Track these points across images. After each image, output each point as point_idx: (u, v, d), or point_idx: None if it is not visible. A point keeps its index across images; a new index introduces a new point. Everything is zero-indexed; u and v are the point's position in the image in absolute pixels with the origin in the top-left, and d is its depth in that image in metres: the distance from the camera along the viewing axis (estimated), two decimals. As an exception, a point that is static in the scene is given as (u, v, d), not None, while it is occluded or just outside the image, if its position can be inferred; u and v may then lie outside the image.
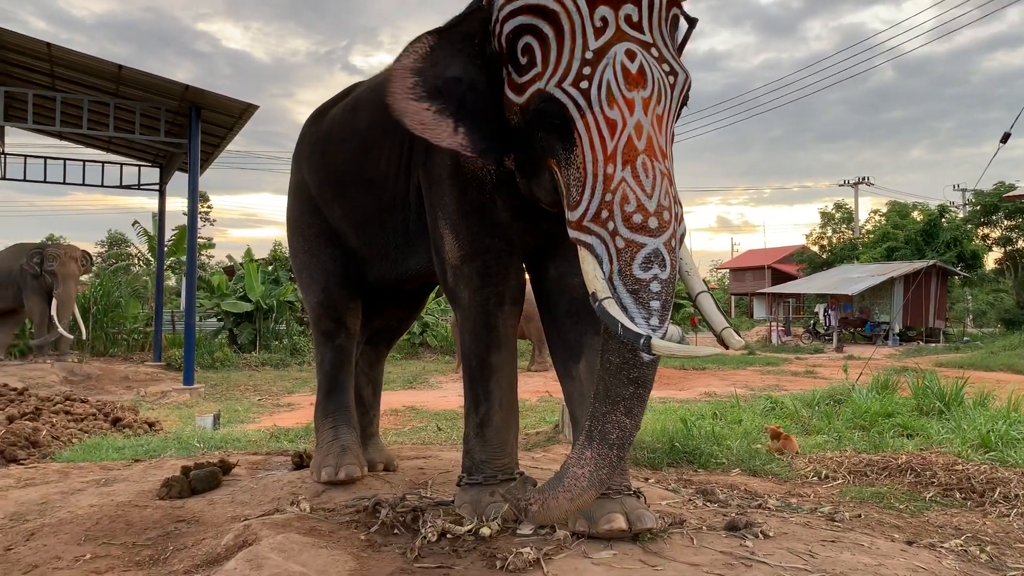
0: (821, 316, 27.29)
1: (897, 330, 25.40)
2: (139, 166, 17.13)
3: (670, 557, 2.61)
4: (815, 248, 38.68)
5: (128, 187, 17.29)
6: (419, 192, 3.34)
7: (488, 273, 3.09)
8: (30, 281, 13.97)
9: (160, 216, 18.08)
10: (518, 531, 2.85)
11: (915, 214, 33.81)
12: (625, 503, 2.83)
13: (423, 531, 2.83)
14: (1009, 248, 32.04)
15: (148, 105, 12.88)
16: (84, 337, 15.44)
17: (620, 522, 2.72)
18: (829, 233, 38.55)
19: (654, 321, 2.36)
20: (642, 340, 2.29)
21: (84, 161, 16.62)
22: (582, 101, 2.45)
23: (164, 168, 17.00)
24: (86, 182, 16.60)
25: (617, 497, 2.85)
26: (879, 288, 26.41)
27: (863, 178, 38.55)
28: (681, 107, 2.67)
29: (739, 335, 2.58)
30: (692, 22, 2.80)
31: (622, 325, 2.32)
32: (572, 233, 2.50)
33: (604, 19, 2.47)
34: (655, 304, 2.38)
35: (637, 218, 2.37)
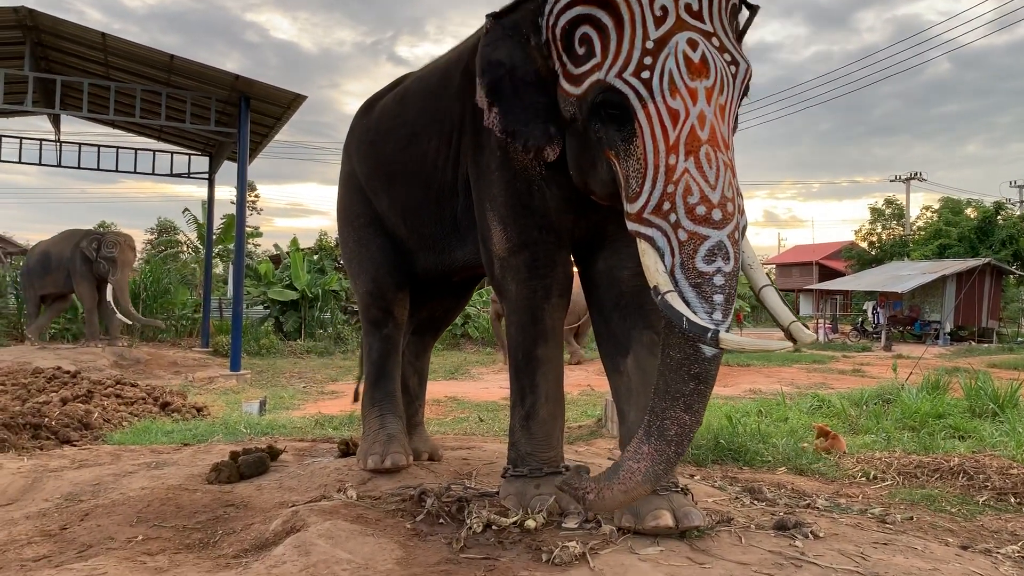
0: (869, 314, 26.79)
1: (948, 329, 24.83)
2: (189, 155, 17.44)
3: (718, 555, 2.57)
4: (864, 244, 37.94)
5: (178, 175, 17.62)
6: (467, 183, 3.34)
7: (536, 266, 3.08)
8: (80, 266, 14.20)
9: (209, 204, 18.40)
10: (563, 524, 2.84)
11: (969, 211, 32.97)
12: (672, 500, 2.80)
13: (468, 522, 2.83)
14: (1067, 246, 31.13)
15: (199, 95, 13.09)
16: (139, 323, 15.73)
17: (667, 519, 2.68)
18: (879, 229, 37.75)
19: (717, 315, 2.31)
20: (708, 334, 2.25)
21: (136, 149, 16.97)
22: (644, 91, 2.42)
23: (213, 157, 17.28)
24: (137, 170, 16.96)
25: (665, 494, 2.81)
26: (930, 286, 25.82)
27: (915, 173, 37.69)
28: (742, 97, 2.63)
29: (808, 329, 2.53)
30: (753, 9, 2.76)
31: (687, 319, 2.27)
32: (631, 225, 2.47)
33: (664, 8, 2.44)
34: (718, 298, 2.33)
35: (700, 210, 2.33)
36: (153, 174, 17.28)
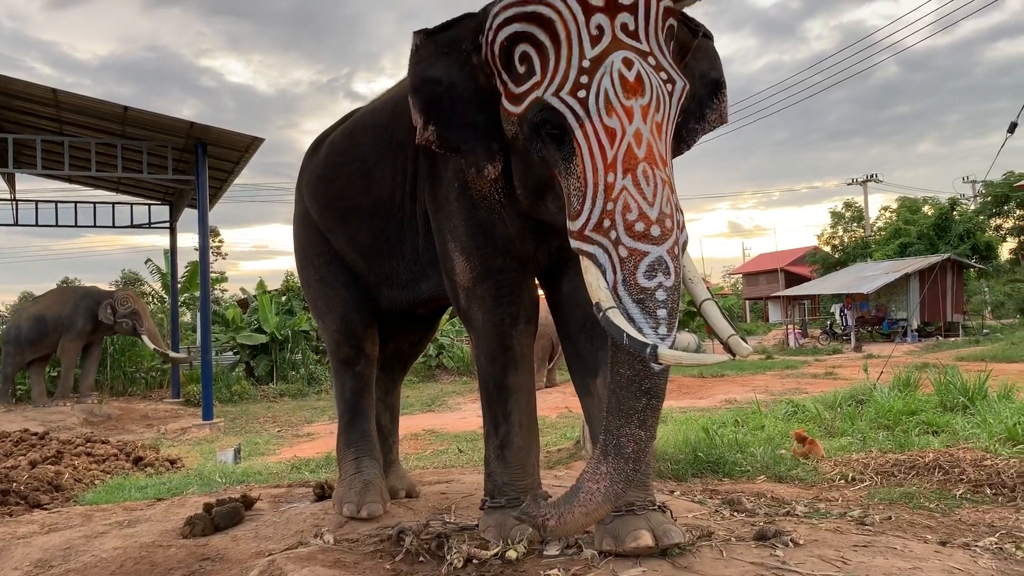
0: (837, 316, 27.10)
1: (915, 326, 25.21)
2: (149, 205, 17.28)
3: (699, 571, 2.57)
4: (827, 248, 38.46)
5: (139, 226, 17.44)
6: (426, 216, 3.33)
7: (501, 293, 3.08)
8: (80, 325, 14.13)
9: (172, 253, 18.19)
10: (545, 552, 2.82)
11: (926, 209, 33.60)
12: (651, 519, 2.78)
13: (449, 557, 2.81)
14: (1023, 238, 31.80)
15: (155, 144, 12.99)
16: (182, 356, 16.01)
17: (647, 539, 2.67)
18: (840, 232, 38.33)
19: (662, 330, 2.32)
20: (648, 349, 2.25)
21: (95, 203, 16.79)
22: (580, 110, 2.43)
23: (174, 205, 17.13)
24: (97, 224, 16.79)
25: (642, 513, 2.80)
26: (894, 285, 26.21)
27: (871, 175, 38.39)
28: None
29: (747, 342, 2.53)
30: (695, 31, 2.82)
31: (627, 335, 2.28)
32: (574, 243, 2.48)
33: (600, 27, 2.45)
34: (662, 312, 2.33)
35: (639, 226, 2.34)
36: (114, 226, 17.12)
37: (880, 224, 36.74)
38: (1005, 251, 32.58)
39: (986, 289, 32.02)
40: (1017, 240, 32.14)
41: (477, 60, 2.73)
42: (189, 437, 11.55)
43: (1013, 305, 29.36)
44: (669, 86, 2.50)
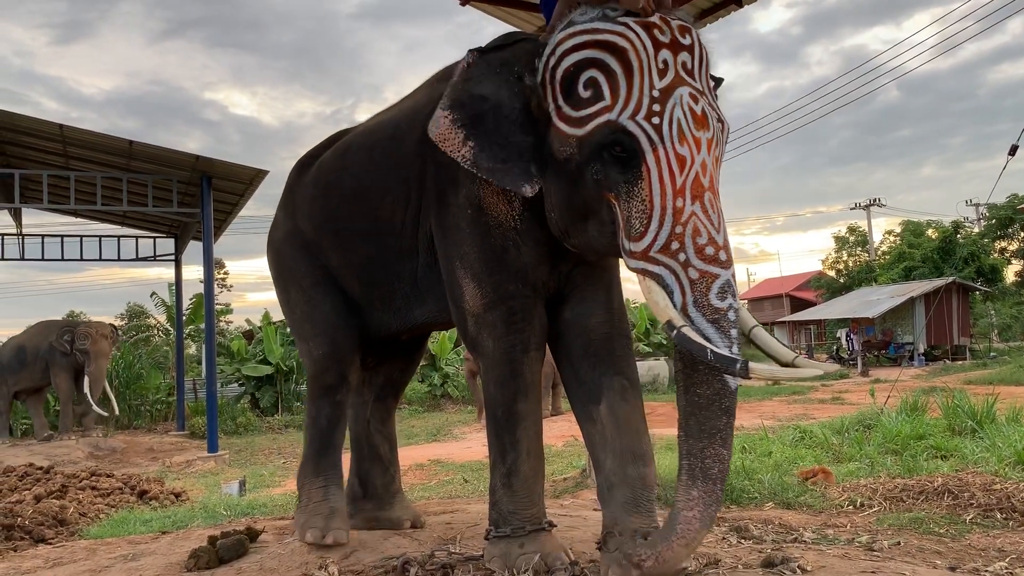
0: (843, 341, 27.01)
1: (922, 350, 25.09)
2: (154, 238, 17.35)
3: (707, 599, 2.55)
4: (832, 273, 38.47)
5: (144, 259, 17.50)
6: (430, 242, 3.32)
7: (513, 320, 3.05)
8: (59, 358, 14.00)
9: (177, 286, 18.25)
10: (550, 582, 2.80)
11: (930, 232, 33.62)
12: None
13: (454, 588, 2.79)
14: (1028, 259, 31.76)
15: (160, 178, 13.10)
16: (116, 413, 15.45)
17: None
18: (844, 257, 38.36)
19: (735, 349, 2.43)
20: (738, 365, 2.36)
21: (100, 236, 16.85)
22: (655, 135, 2.54)
23: (179, 238, 17.21)
24: (103, 257, 16.81)
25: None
26: (900, 309, 26.14)
27: (874, 200, 38.50)
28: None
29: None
30: (718, 82, 2.94)
31: (712, 351, 2.38)
32: (636, 263, 2.57)
33: (665, 62, 2.60)
34: (734, 332, 2.47)
35: (709, 250, 2.48)
36: (119, 259, 17.16)
37: (884, 248, 36.77)
38: (1010, 273, 32.54)
39: (992, 312, 31.91)
40: (1022, 262, 32.09)
41: (530, 82, 2.80)
42: (194, 470, 11.51)
43: (1020, 327, 29.30)
44: (719, 125, 2.68)
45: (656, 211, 2.52)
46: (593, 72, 2.64)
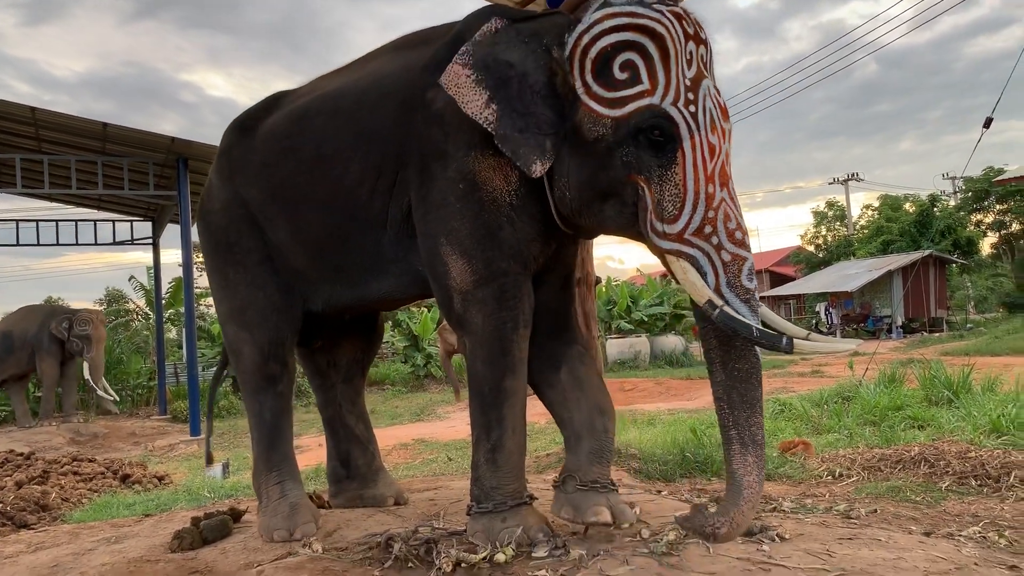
0: (823, 315, 27.29)
1: (900, 323, 25.41)
2: (131, 221, 17.17)
3: (687, 568, 2.59)
4: (811, 248, 38.74)
5: (122, 243, 17.33)
6: (405, 216, 3.23)
7: (505, 297, 3.03)
8: (47, 344, 13.90)
9: (156, 269, 18.10)
10: (533, 554, 2.83)
11: (907, 206, 33.90)
12: (611, 498, 3.08)
13: (437, 562, 2.82)
14: (1003, 232, 32.18)
15: (135, 160, 12.94)
16: (115, 398, 15.48)
17: (606, 515, 2.95)
18: (823, 232, 38.62)
19: (761, 326, 2.60)
20: (784, 340, 2.55)
21: (76, 221, 16.65)
22: (692, 123, 2.66)
23: (156, 221, 17.05)
24: (79, 241, 16.64)
25: (604, 491, 3.07)
26: (878, 282, 26.41)
27: (853, 174, 38.72)
28: None
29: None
30: None
31: (757, 328, 2.55)
32: (670, 244, 2.67)
33: (691, 54, 2.71)
34: (762, 310, 2.65)
35: (738, 235, 2.63)
36: (96, 244, 16.99)
37: (863, 222, 37.02)
38: (986, 246, 32.95)
39: (968, 284, 32.29)
40: (997, 235, 32.47)
41: (558, 55, 2.80)
42: (177, 453, 11.48)
43: (995, 299, 29.66)
44: (729, 122, 2.83)
45: (690, 195, 2.63)
46: (631, 55, 2.68)
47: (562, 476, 3.19)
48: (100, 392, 14.18)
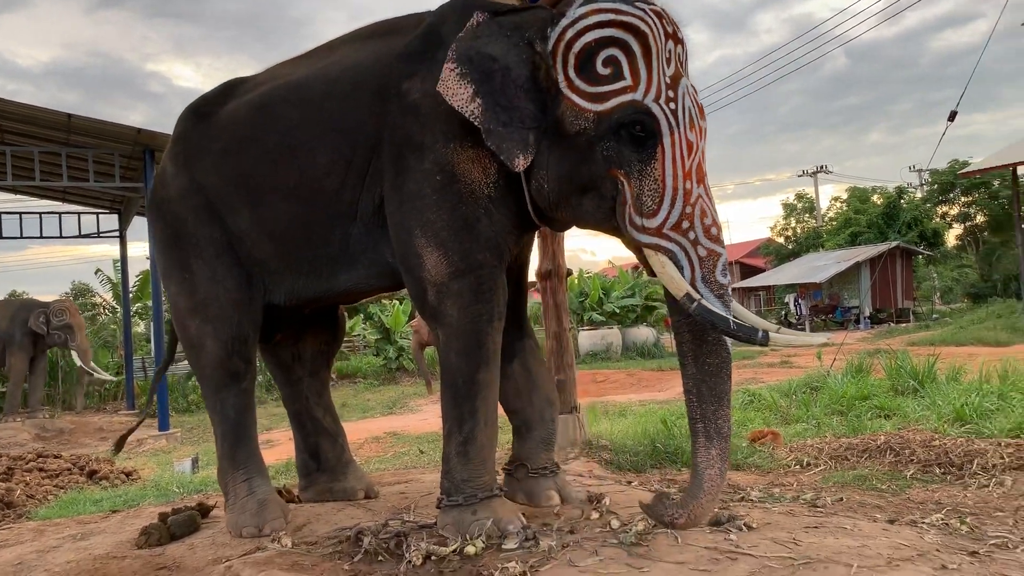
0: (792, 306, 27.52)
1: (867, 313, 25.74)
2: (97, 214, 16.89)
3: (656, 558, 2.61)
4: (780, 239, 39.07)
5: (88, 236, 17.03)
6: (376, 208, 3.20)
7: (481, 290, 3.04)
8: (20, 339, 13.71)
9: (123, 263, 17.86)
10: (503, 546, 2.84)
11: (875, 198, 34.29)
12: (557, 481, 3.46)
13: (408, 556, 2.82)
14: (968, 224, 32.72)
15: (101, 152, 12.75)
16: (108, 377, 15.91)
17: (556, 498, 3.36)
18: (793, 224, 38.98)
19: (736, 321, 2.66)
20: (760, 334, 2.63)
21: (40, 213, 16.34)
22: (672, 120, 2.70)
23: (123, 214, 16.79)
24: (44, 234, 16.33)
25: (550, 476, 3.41)
26: (846, 273, 26.75)
27: (821, 167, 39.06)
28: None
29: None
30: None
31: (733, 321, 2.61)
32: (648, 238, 2.72)
33: (671, 52, 2.75)
34: (733, 305, 2.74)
35: (714, 231, 2.71)
36: (61, 237, 16.69)
37: (831, 214, 37.40)
38: (951, 237, 33.45)
39: (935, 275, 32.77)
40: (963, 226, 32.98)
41: (540, 49, 2.82)
42: (145, 448, 11.35)
43: (960, 290, 30.11)
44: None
45: (669, 191, 2.68)
46: (614, 51, 2.72)
47: (513, 463, 3.50)
48: (100, 374, 14.53)
